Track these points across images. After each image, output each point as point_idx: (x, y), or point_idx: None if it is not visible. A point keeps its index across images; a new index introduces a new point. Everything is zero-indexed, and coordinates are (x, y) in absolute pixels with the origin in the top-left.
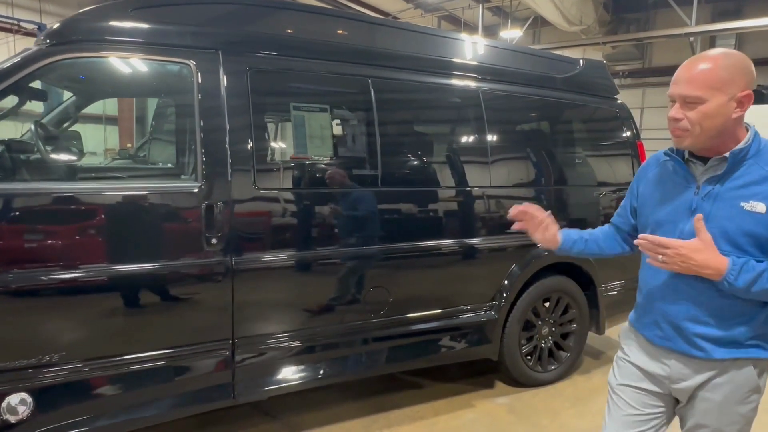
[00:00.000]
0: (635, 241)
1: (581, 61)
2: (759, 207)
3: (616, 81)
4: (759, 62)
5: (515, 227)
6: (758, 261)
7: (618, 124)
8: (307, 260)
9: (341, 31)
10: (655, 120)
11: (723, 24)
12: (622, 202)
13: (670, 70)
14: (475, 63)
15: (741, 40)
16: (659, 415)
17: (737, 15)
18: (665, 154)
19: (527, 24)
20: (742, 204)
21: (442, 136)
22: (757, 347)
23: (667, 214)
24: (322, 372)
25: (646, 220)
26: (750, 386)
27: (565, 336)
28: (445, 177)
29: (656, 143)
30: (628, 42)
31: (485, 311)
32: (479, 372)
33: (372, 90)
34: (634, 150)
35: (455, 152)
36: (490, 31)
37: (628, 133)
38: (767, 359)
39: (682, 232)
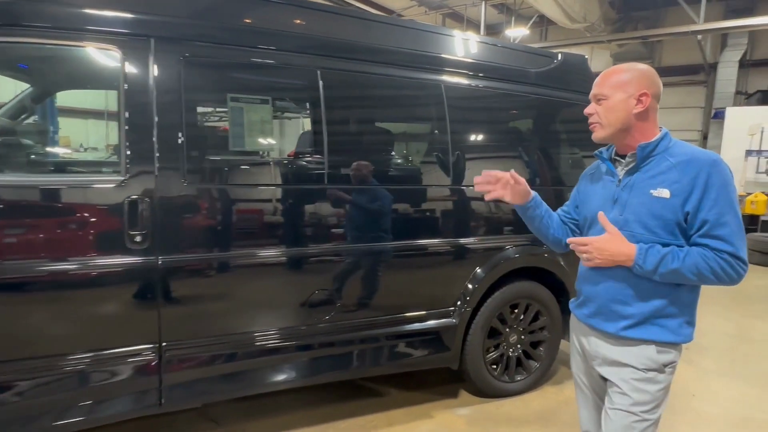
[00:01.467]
0: (567, 240)
1: (559, 55)
2: (664, 193)
3: None
4: None
5: (487, 197)
6: (665, 244)
7: None
8: (242, 260)
9: (287, 19)
10: (667, 121)
11: (731, 21)
12: (569, 199)
13: (680, 70)
14: (437, 55)
15: (754, 40)
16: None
17: (750, 13)
18: (595, 154)
19: (531, 22)
20: (651, 191)
21: (398, 132)
22: (662, 328)
23: (596, 206)
24: (259, 379)
25: (584, 214)
26: (653, 365)
27: (535, 344)
28: (400, 175)
29: None
30: (634, 40)
31: (444, 317)
32: (444, 380)
33: (321, 82)
34: None
35: (412, 149)
36: (494, 30)
37: None
38: (670, 342)
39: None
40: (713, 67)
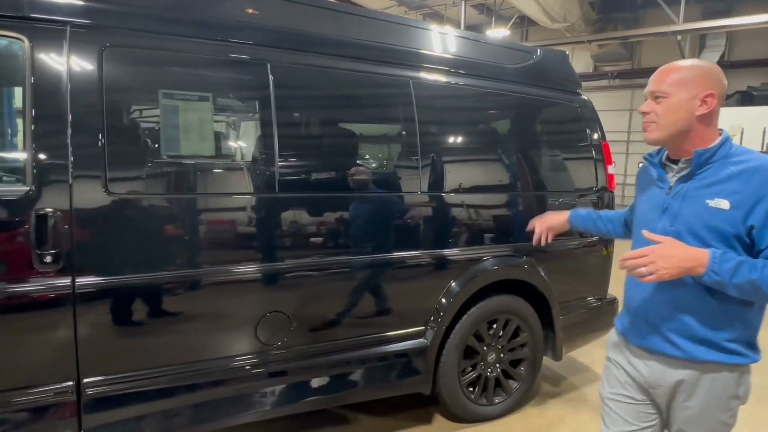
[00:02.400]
0: (621, 266)
1: (538, 50)
2: (723, 204)
3: (605, 82)
4: (750, 63)
5: (536, 241)
6: None
7: (579, 123)
8: (176, 281)
9: (231, 5)
10: None
11: (710, 22)
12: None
13: None
14: (405, 48)
15: (732, 40)
16: (653, 424)
17: (728, 14)
18: (644, 158)
19: (511, 22)
20: (707, 201)
21: (359, 134)
22: (737, 353)
23: (644, 214)
24: (201, 416)
25: (632, 219)
26: (729, 393)
27: (515, 363)
28: (361, 180)
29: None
30: (614, 41)
31: (414, 338)
32: (418, 404)
33: (271, 77)
34: (597, 152)
35: (375, 153)
36: (475, 30)
37: (591, 133)
38: (746, 365)
39: (655, 230)
40: None
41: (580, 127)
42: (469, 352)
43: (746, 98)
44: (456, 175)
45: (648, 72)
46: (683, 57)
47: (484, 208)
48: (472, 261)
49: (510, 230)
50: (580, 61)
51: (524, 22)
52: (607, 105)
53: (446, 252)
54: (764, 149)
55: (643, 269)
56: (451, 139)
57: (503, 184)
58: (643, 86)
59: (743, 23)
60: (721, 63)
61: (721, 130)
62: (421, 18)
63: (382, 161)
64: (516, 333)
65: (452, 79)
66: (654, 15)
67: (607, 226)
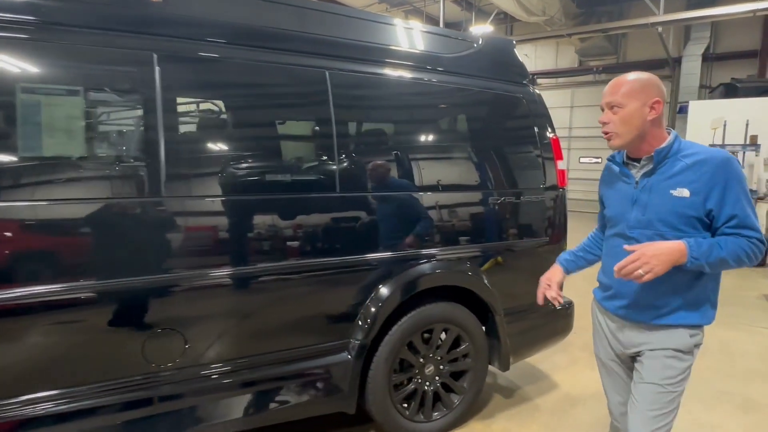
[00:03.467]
0: (617, 274)
1: (480, 38)
2: (684, 192)
3: (590, 77)
4: (735, 55)
5: (551, 299)
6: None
7: (526, 116)
8: (42, 298)
9: None
10: None
11: (691, 12)
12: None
13: (644, 65)
14: (322, 36)
15: (716, 33)
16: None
17: (711, 4)
18: (608, 159)
19: (492, 17)
20: (671, 191)
21: (265, 131)
22: (687, 313)
23: (616, 208)
24: None
25: (606, 214)
26: (684, 346)
27: (457, 375)
28: (267, 181)
29: None
30: (595, 34)
31: (335, 353)
32: (350, 421)
33: (156, 68)
34: (545, 149)
35: (283, 151)
36: (457, 27)
37: (539, 127)
38: (697, 325)
39: (628, 220)
40: (678, 62)
41: (526, 120)
42: (404, 365)
43: (730, 90)
44: (377, 173)
45: (633, 66)
46: (667, 50)
47: (414, 208)
48: (400, 267)
49: (446, 232)
50: (565, 57)
51: (507, 18)
52: (593, 100)
53: (369, 258)
54: (747, 141)
55: (639, 271)
56: (374, 135)
57: (436, 182)
58: None
59: (726, 13)
60: (707, 55)
61: (669, 129)
62: (402, 15)
63: (290, 160)
64: (457, 343)
65: (377, 70)
66: (638, 7)
67: (595, 251)
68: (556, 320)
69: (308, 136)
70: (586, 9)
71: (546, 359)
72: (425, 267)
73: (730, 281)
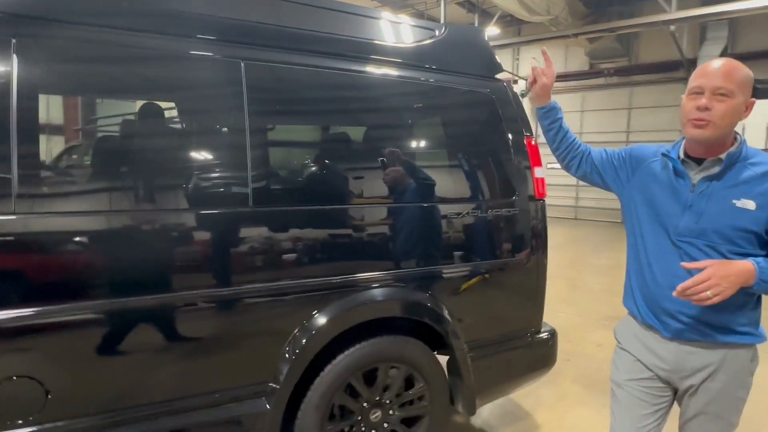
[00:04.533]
0: (684, 294)
1: (443, 26)
2: (749, 204)
3: (601, 80)
4: (755, 56)
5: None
6: (746, 255)
7: (495, 115)
8: None
9: None
10: (645, 122)
11: (706, 9)
12: (609, 154)
13: (657, 67)
14: (238, 21)
15: (735, 32)
16: (664, 404)
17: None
18: (662, 154)
19: (495, 19)
20: (734, 201)
21: (158, 132)
22: (750, 334)
23: (660, 208)
24: None
25: (635, 211)
26: (746, 371)
27: (411, 421)
28: (163, 195)
29: None
30: (604, 34)
31: (249, 399)
32: None
33: (15, 56)
34: (518, 151)
35: (181, 157)
36: None
37: (511, 130)
38: (757, 344)
39: (677, 226)
40: (693, 63)
41: (495, 121)
42: (344, 411)
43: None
44: (313, 183)
45: (646, 68)
46: (682, 52)
47: (347, 225)
48: (331, 296)
49: (392, 253)
50: (575, 60)
51: (514, 20)
52: (604, 104)
53: (292, 284)
54: (766, 146)
55: (708, 292)
56: (303, 138)
57: (379, 194)
58: (643, 83)
59: (744, 8)
60: (724, 56)
61: (735, 132)
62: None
63: (188, 168)
64: (410, 382)
65: (308, 61)
66: (650, 7)
67: (571, 143)
68: (533, 353)
69: (214, 140)
70: (595, 9)
71: (530, 393)
72: (365, 295)
73: None
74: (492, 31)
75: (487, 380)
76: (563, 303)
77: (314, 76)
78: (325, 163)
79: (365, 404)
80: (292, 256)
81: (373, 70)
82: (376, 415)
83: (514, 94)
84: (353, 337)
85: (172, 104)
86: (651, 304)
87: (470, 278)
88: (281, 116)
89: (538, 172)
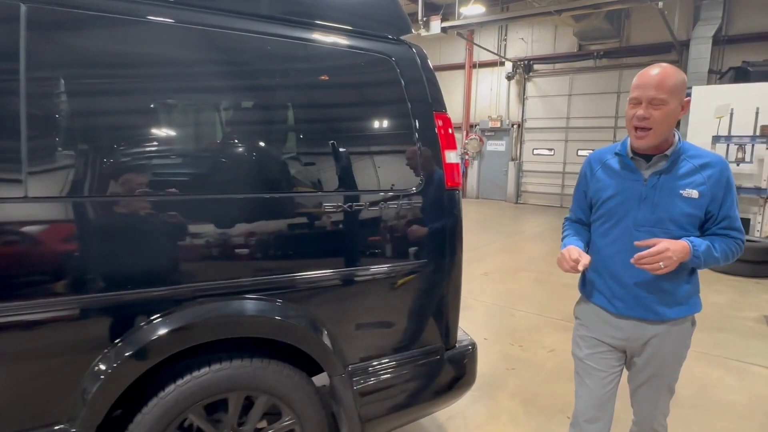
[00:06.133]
0: (642, 262)
1: None
2: (693, 194)
3: (590, 63)
4: (750, 38)
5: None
6: (684, 236)
7: (395, 87)
8: None
9: None
10: None
11: None
12: (575, 199)
13: (649, 49)
14: None
15: (730, 12)
16: (620, 369)
17: None
18: (616, 154)
19: None
20: (681, 192)
21: None
22: (688, 305)
23: (620, 204)
24: None
25: (599, 209)
26: (687, 334)
27: None
28: None
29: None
30: (587, 10)
31: None
32: None
33: None
34: (424, 132)
35: None
36: (450, 8)
37: (416, 105)
38: (694, 314)
39: (636, 218)
40: (685, 45)
41: (395, 93)
42: None
43: (741, 75)
44: (115, 167)
45: (637, 50)
46: (672, 32)
47: (169, 222)
48: (144, 314)
49: (235, 257)
50: (564, 41)
51: None
52: (593, 88)
53: (81, 300)
54: (757, 132)
55: (661, 263)
56: (112, 107)
57: (229, 180)
58: (633, 66)
59: None
60: (718, 37)
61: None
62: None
63: None
64: (278, 413)
65: (118, 6)
66: None
67: (585, 240)
68: (442, 373)
69: None
70: None
71: (458, 413)
72: (188, 314)
73: (726, 297)
74: (476, 9)
75: (378, 409)
76: (524, 300)
77: (127, 26)
78: (139, 139)
79: None
80: (79, 261)
81: (233, 23)
82: None
83: (424, 60)
84: (198, 361)
85: None
86: (609, 287)
87: (349, 286)
88: (76, 79)
89: (450, 156)
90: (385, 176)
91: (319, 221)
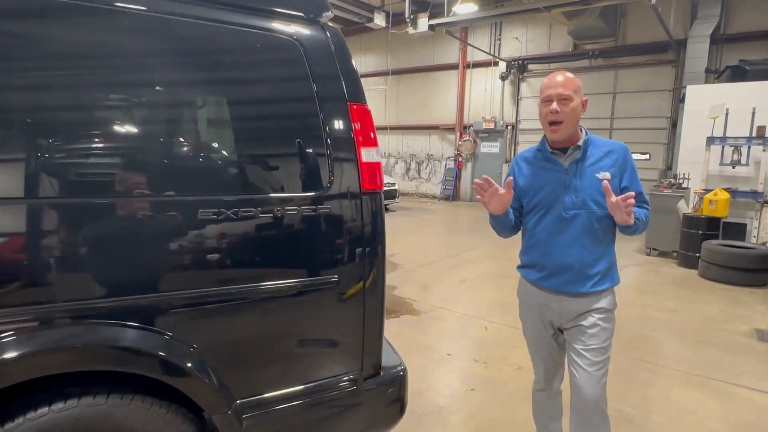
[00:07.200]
0: (618, 205)
1: None
2: (606, 175)
3: (585, 62)
4: (749, 36)
5: (477, 200)
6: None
7: (300, 75)
8: None
9: None
10: (633, 107)
11: None
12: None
13: (646, 48)
14: None
15: (728, 10)
16: (562, 342)
17: None
18: (538, 150)
19: None
20: (596, 175)
21: None
22: (610, 279)
23: (549, 194)
24: None
25: (531, 201)
26: (612, 306)
27: None
28: None
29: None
30: (578, 7)
31: None
32: None
33: None
34: (334, 126)
35: None
36: (443, 7)
37: (326, 95)
38: (615, 286)
39: (564, 203)
40: (682, 44)
41: (299, 81)
42: None
43: (737, 74)
44: None
45: (632, 49)
46: (667, 30)
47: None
48: None
49: (85, 273)
50: (559, 40)
51: None
52: (588, 88)
53: None
54: (753, 133)
55: (632, 208)
56: None
57: (77, 181)
58: (629, 65)
59: None
60: (716, 36)
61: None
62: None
63: None
64: None
65: None
66: None
67: (511, 218)
68: (360, 406)
69: None
70: None
71: None
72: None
73: (716, 308)
74: (470, 8)
75: None
76: (499, 310)
77: None
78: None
79: None
80: None
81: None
82: None
83: (340, 44)
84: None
85: None
86: (544, 268)
87: (235, 307)
88: None
89: (366, 154)
90: (283, 178)
91: (194, 230)
